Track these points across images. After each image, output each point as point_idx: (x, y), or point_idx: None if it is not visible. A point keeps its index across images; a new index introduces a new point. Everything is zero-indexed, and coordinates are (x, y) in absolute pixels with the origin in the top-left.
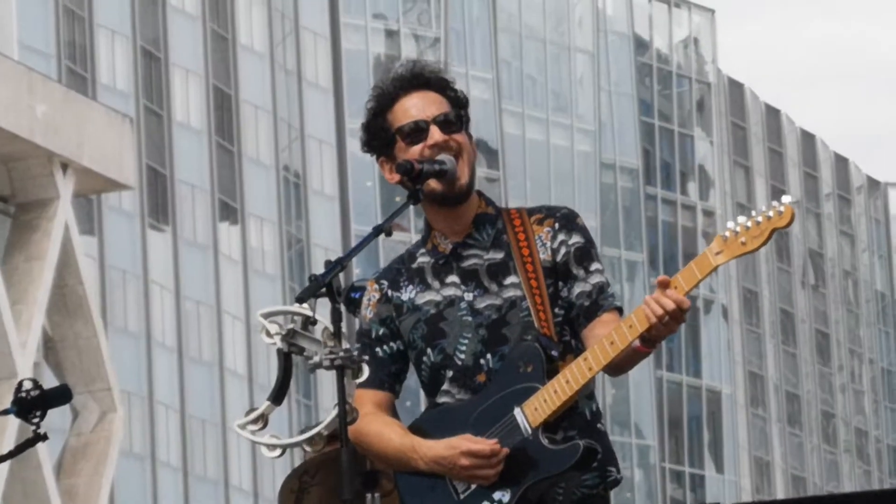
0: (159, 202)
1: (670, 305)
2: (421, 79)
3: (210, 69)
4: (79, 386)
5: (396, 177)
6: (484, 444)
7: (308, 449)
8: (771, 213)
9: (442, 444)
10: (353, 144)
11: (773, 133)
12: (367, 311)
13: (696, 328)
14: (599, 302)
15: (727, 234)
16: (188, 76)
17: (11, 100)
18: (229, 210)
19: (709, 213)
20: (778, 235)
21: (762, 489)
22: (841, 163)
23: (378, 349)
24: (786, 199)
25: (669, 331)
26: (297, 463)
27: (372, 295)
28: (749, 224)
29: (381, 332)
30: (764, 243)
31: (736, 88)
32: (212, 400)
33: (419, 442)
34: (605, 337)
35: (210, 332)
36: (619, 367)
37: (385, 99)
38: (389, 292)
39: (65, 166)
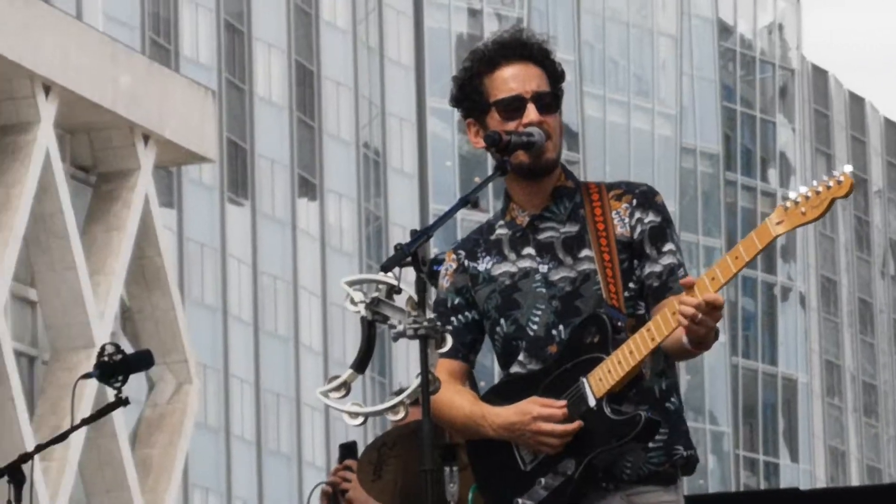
0: (239, 176)
1: (689, 311)
2: (525, 50)
3: (293, 44)
4: (155, 357)
5: (481, 143)
6: (554, 409)
7: (390, 417)
8: (830, 183)
9: (512, 410)
10: (434, 123)
11: (856, 121)
12: (444, 281)
13: (774, 316)
14: (669, 284)
15: (787, 203)
16: (271, 51)
17: (95, 70)
18: (308, 186)
19: None
20: (859, 224)
21: (836, 479)
22: None
23: (453, 318)
24: (846, 168)
25: (707, 327)
26: (371, 439)
27: (449, 265)
28: (809, 194)
29: (456, 301)
30: (823, 213)
31: (820, 75)
32: (286, 375)
33: (488, 409)
34: (668, 307)
35: (286, 308)
36: (680, 354)
37: (484, 63)
38: (466, 262)
39: (146, 137)
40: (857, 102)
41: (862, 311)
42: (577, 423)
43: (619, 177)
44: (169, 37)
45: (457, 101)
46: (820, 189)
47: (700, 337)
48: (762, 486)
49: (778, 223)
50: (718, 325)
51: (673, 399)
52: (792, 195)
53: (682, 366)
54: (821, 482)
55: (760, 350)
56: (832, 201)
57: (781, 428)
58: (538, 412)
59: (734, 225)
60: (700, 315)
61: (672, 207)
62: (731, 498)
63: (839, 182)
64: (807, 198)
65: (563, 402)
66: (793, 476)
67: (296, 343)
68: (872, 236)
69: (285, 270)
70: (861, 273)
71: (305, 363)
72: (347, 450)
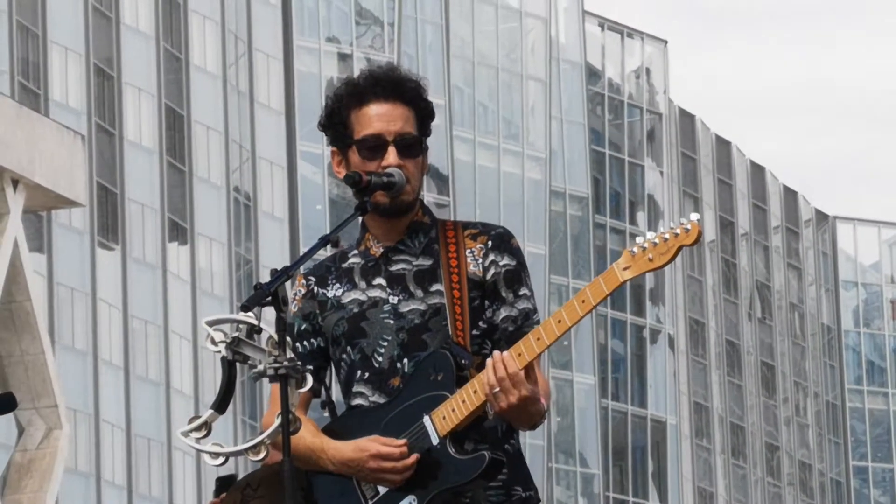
0: (109, 220)
1: (492, 381)
2: (396, 88)
3: (162, 88)
4: (25, 402)
5: (343, 173)
6: (392, 448)
7: (251, 457)
8: (678, 231)
9: (350, 446)
10: (304, 167)
11: (722, 165)
12: (292, 306)
13: (643, 358)
14: (523, 329)
15: (635, 249)
16: (140, 95)
17: None
18: (179, 230)
19: None
20: (726, 267)
21: None
22: (790, 195)
23: (298, 344)
24: (693, 216)
25: (507, 402)
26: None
27: (298, 290)
28: (657, 241)
29: (303, 327)
30: (670, 260)
31: (687, 119)
32: (157, 419)
33: (328, 443)
34: (513, 348)
35: (157, 352)
36: (513, 421)
37: (354, 97)
38: (315, 289)
39: (15, 182)
40: (723, 146)
41: (729, 352)
42: (413, 457)
43: (489, 220)
44: (38, 81)
45: (324, 127)
46: (668, 236)
47: (503, 412)
48: None
49: (625, 268)
50: (588, 368)
51: (512, 441)
52: (639, 241)
53: (551, 407)
54: None
55: (630, 392)
56: (679, 249)
57: (651, 470)
58: (376, 450)
59: (604, 267)
60: (497, 388)
61: (542, 250)
62: None
63: (686, 230)
64: (654, 244)
65: (402, 441)
66: None
67: (167, 387)
68: (739, 278)
69: (156, 314)
70: (728, 315)
71: (176, 407)
72: (225, 483)
